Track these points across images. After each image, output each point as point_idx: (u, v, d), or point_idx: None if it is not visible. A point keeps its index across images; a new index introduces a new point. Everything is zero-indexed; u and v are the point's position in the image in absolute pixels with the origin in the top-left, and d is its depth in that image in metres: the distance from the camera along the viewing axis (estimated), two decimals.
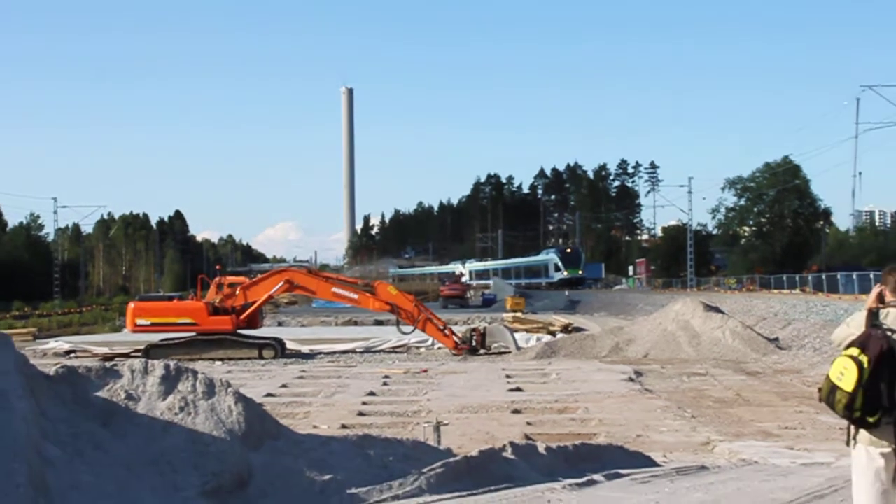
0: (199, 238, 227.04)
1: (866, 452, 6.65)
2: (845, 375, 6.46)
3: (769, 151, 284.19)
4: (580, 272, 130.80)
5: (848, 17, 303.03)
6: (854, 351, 6.53)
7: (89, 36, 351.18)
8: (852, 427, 6.66)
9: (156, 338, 42.42)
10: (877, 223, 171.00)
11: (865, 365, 6.43)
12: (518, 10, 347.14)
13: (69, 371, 10.33)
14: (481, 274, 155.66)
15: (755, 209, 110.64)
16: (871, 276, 56.36)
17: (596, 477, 11.37)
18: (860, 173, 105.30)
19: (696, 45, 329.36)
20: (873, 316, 6.75)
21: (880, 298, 6.89)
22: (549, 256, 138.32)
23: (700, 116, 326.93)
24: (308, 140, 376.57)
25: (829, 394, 6.58)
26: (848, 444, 6.83)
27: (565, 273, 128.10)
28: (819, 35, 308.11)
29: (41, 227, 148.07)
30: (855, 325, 6.84)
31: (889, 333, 6.58)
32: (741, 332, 41.65)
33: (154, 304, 47.64)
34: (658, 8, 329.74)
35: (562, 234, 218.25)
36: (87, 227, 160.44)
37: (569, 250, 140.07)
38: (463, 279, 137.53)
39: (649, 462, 13.52)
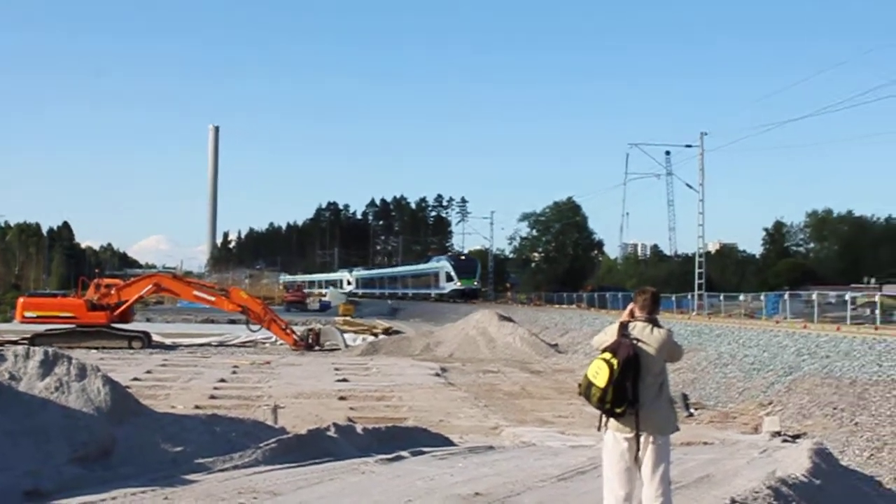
0: (83, 245, 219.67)
1: (613, 437, 6.83)
2: (599, 374, 6.64)
3: (557, 192, 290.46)
4: (475, 283, 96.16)
5: (624, 90, 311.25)
6: (607, 355, 6.73)
7: None
8: (603, 416, 6.84)
9: (41, 328, 41.41)
10: (639, 254, 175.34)
11: (616, 367, 6.63)
12: (358, 54, 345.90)
13: None
14: (368, 282, 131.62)
15: (544, 239, 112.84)
16: (633, 296, 57.72)
17: (403, 453, 11.43)
18: (627, 213, 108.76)
19: (502, 96, 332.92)
20: (624, 327, 6.95)
21: (631, 314, 7.10)
22: (441, 264, 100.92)
23: (504, 160, 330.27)
24: (179, 164, 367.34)
25: (586, 388, 6.75)
26: (599, 429, 7.00)
27: (459, 284, 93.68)
28: (596, 99, 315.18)
29: None
30: (610, 333, 7.02)
31: (635, 342, 6.81)
32: (528, 338, 42.36)
33: (41, 299, 46.94)
34: (482, 56, 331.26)
35: (387, 254, 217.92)
36: None
37: (462, 258, 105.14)
38: (350, 287, 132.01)
39: (448, 442, 13.64)
